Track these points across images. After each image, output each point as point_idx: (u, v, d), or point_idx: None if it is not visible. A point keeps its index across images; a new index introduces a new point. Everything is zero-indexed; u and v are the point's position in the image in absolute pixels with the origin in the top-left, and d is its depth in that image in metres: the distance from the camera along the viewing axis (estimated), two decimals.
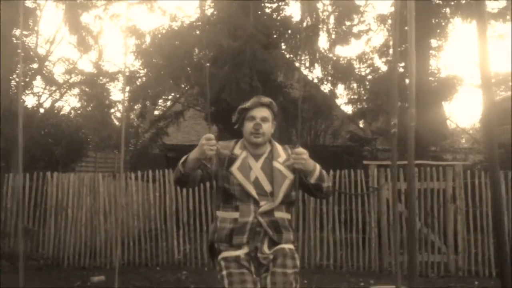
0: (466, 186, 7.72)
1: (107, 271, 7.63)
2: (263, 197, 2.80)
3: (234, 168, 2.83)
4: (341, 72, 12.47)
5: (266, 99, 2.96)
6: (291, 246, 2.85)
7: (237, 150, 2.92)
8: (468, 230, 7.67)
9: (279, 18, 12.41)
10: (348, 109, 14.36)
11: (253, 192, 2.78)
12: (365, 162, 8.48)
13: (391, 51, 12.68)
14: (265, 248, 2.79)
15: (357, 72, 12.88)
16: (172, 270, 7.77)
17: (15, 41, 10.94)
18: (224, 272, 2.72)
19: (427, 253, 7.62)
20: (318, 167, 2.85)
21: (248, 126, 2.90)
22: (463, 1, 12.12)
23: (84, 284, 7.04)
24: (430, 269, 7.57)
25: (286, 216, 2.87)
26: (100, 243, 8.18)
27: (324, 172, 2.88)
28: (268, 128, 2.91)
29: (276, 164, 2.88)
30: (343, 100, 13.72)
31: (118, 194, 8.16)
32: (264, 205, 2.78)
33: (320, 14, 12.67)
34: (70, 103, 13.91)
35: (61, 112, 13.21)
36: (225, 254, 2.79)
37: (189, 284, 6.99)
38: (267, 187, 2.83)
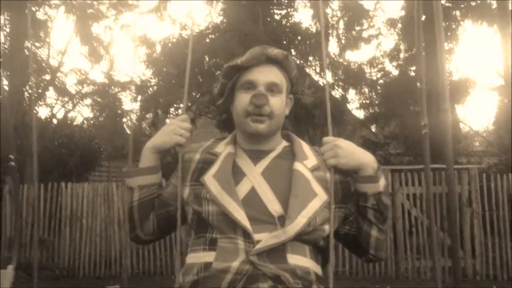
0: (481, 189, 7.65)
1: (122, 280, 7.63)
2: (264, 226, 1.38)
3: (208, 176, 1.47)
4: (352, 77, 12.43)
5: (277, 51, 1.52)
6: None
7: (219, 148, 1.56)
8: (485, 234, 7.60)
9: (288, 24, 12.42)
10: (360, 114, 14.29)
11: (238, 214, 1.38)
12: None
13: (402, 55, 12.67)
14: None
15: (368, 77, 12.84)
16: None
17: (27, 53, 11.05)
18: None
19: (444, 258, 7.54)
20: (380, 171, 1.53)
21: (243, 100, 1.51)
22: (473, 3, 12.07)
23: None
24: (448, 274, 7.49)
25: (313, 267, 1.46)
26: (115, 253, 8.19)
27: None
28: (279, 104, 1.51)
29: (298, 167, 1.48)
30: (355, 105, 13.67)
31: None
32: (267, 238, 1.35)
33: (330, 19, 12.66)
34: (82, 113, 13.97)
35: (74, 123, 13.33)
36: None
37: None
38: (274, 208, 1.41)
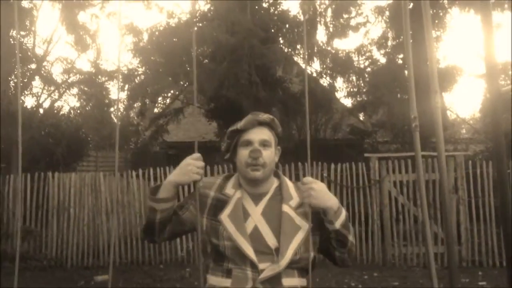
0: (467, 176, 7.72)
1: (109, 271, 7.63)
2: (265, 257, 1.93)
3: (224, 216, 1.99)
4: (340, 65, 12.45)
5: (266, 116, 2.08)
6: None
7: (229, 189, 2.08)
8: (471, 220, 7.68)
9: (276, 12, 12.38)
10: (348, 102, 14.34)
11: (248, 250, 1.92)
12: (366, 155, 8.48)
13: (389, 43, 12.68)
14: None
15: (356, 65, 12.86)
16: (175, 268, 7.78)
17: (12, 42, 10.91)
18: None
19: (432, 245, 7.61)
20: (342, 208, 2.01)
21: (243, 154, 2.04)
22: None
23: (88, 283, 7.04)
24: (434, 260, 7.56)
25: (300, 283, 1.99)
26: (103, 242, 8.18)
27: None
28: (270, 156, 2.05)
29: (285, 209, 2.01)
30: (343, 93, 13.70)
31: (119, 193, 8.16)
32: (267, 269, 1.91)
33: (318, 7, 12.64)
34: (69, 102, 13.86)
35: (61, 112, 13.18)
36: None
37: (192, 281, 7.00)
38: (271, 241, 1.96)
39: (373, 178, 7.88)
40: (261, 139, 2.05)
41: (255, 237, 1.95)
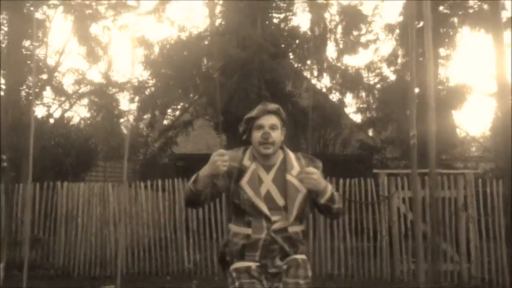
0: (477, 194, 7.67)
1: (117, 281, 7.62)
2: (276, 212, 2.63)
3: (244, 182, 2.66)
4: (350, 81, 12.48)
5: (273, 106, 2.76)
6: (303, 256, 2.71)
7: (246, 161, 2.73)
8: (481, 238, 7.62)
9: (286, 28, 12.46)
10: (357, 118, 14.35)
11: (264, 208, 2.61)
12: (375, 170, 8.46)
13: (399, 60, 12.71)
14: (277, 261, 2.66)
15: (365, 81, 12.88)
16: (182, 279, 7.76)
17: (24, 52, 11.03)
18: (236, 284, 2.64)
19: (439, 262, 7.56)
20: (329, 187, 2.63)
21: (256, 135, 2.70)
22: (471, 11, 12.12)
23: None
24: (443, 278, 7.50)
25: (300, 228, 2.71)
26: (110, 252, 8.17)
27: (336, 193, 2.68)
28: (277, 136, 2.71)
29: (289, 177, 2.68)
30: (352, 109, 13.72)
31: (127, 203, 8.17)
32: (278, 222, 2.62)
33: (328, 23, 12.70)
34: (79, 113, 13.88)
35: (71, 122, 13.26)
36: (236, 265, 2.69)
37: None
38: (280, 201, 2.66)
39: (382, 194, 7.85)
40: (270, 123, 2.70)
41: (268, 198, 2.65)
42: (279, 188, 2.67)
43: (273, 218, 2.61)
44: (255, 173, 2.69)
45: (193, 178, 2.62)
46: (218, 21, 12.57)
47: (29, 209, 7.21)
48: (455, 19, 12.34)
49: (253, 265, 2.65)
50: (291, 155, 2.79)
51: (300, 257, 2.69)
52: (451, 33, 12.36)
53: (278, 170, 2.72)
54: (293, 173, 2.69)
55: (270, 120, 2.71)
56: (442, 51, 12.54)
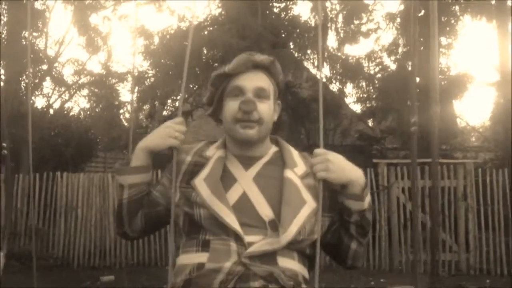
0: (477, 184, 7.66)
1: (117, 271, 7.65)
2: (255, 230, 1.43)
3: (199, 180, 1.50)
4: (350, 70, 12.42)
5: (264, 57, 1.57)
6: None
7: (210, 151, 1.59)
8: (480, 228, 7.62)
9: (287, 17, 12.39)
10: (357, 108, 14.31)
11: (230, 219, 1.41)
12: (374, 160, 8.45)
13: (400, 49, 12.65)
14: None
15: (366, 71, 12.83)
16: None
17: (24, 43, 11.00)
18: None
19: (438, 252, 7.56)
20: (368, 188, 1.57)
21: (231, 107, 1.53)
22: None
23: (94, 284, 7.06)
24: (441, 268, 7.51)
25: (301, 270, 1.48)
26: (110, 243, 8.20)
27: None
28: (267, 110, 1.54)
29: (289, 174, 1.52)
30: (352, 99, 13.66)
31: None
32: (260, 243, 1.40)
33: (329, 13, 12.63)
34: (79, 104, 13.94)
35: (71, 113, 13.29)
36: None
37: None
38: (265, 211, 1.45)
39: (381, 184, 7.84)
40: (256, 86, 1.53)
41: (242, 207, 1.45)
42: (265, 192, 1.48)
43: (248, 238, 1.40)
44: (220, 164, 1.53)
45: (117, 164, 1.64)
46: (218, 11, 12.52)
47: (32, 199, 7.23)
48: (457, 7, 12.26)
49: None
50: (292, 150, 1.63)
51: None
52: (453, 21, 12.28)
53: (267, 164, 1.57)
54: (296, 171, 1.54)
55: (256, 80, 1.55)
56: (443, 40, 12.46)
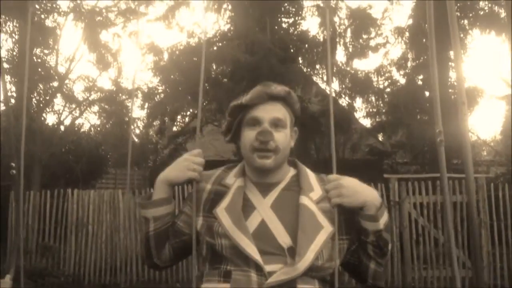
0: (489, 199, 7.58)
1: None
2: (275, 258, 1.48)
3: (220, 209, 1.56)
4: (359, 85, 12.42)
5: (280, 88, 1.63)
6: None
7: (230, 179, 1.65)
8: (493, 243, 7.53)
9: (295, 32, 12.44)
10: (367, 123, 14.28)
11: (251, 250, 1.47)
12: (385, 175, 8.39)
13: (409, 63, 12.65)
14: None
15: (375, 85, 12.82)
16: (191, 286, 7.72)
17: (35, 60, 11.12)
18: None
19: (451, 268, 7.48)
20: (385, 209, 1.59)
21: (249, 136, 1.59)
22: (481, 12, 12.05)
23: None
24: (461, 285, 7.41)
25: None
26: (121, 260, 8.17)
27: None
28: (283, 139, 1.59)
29: (304, 201, 1.56)
30: (362, 113, 13.65)
31: (137, 211, 8.17)
32: (279, 272, 1.45)
33: (337, 27, 12.67)
34: (89, 120, 14.00)
35: (81, 130, 13.35)
36: None
37: None
38: (283, 240, 1.50)
39: (392, 199, 7.78)
40: (272, 117, 1.58)
41: (262, 235, 1.50)
42: (283, 219, 1.54)
43: (269, 267, 1.46)
44: (240, 193, 1.59)
45: (140, 197, 1.64)
46: (227, 27, 12.60)
47: (41, 216, 7.25)
48: (466, 21, 12.26)
49: None
50: (309, 173, 1.68)
51: None
52: (462, 35, 12.28)
53: (284, 191, 1.61)
54: (312, 197, 1.57)
55: (273, 111, 1.60)
56: (453, 54, 12.45)
